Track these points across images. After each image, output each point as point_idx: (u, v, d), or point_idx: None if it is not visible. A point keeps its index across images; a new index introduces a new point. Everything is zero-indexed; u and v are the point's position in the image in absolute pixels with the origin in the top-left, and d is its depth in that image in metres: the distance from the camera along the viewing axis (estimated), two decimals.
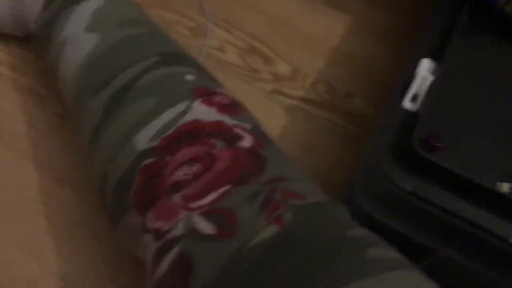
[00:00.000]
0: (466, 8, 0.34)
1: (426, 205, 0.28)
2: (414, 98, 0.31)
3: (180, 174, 0.27)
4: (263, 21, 0.53)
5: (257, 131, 0.31)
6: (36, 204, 0.42)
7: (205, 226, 0.25)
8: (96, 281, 0.39)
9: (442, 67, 0.31)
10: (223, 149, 0.28)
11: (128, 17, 0.37)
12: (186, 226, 0.26)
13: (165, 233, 0.26)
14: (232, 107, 0.32)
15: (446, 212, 0.28)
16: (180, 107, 0.30)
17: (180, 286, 0.24)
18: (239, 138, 0.29)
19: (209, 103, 0.30)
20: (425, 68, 0.32)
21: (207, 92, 0.31)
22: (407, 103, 0.31)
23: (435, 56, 0.32)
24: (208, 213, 0.26)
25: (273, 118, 0.48)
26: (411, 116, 0.31)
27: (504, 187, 0.28)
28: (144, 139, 0.29)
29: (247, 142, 0.29)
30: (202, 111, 0.30)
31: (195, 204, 0.26)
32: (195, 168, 0.27)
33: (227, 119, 0.30)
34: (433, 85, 0.31)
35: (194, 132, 0.29)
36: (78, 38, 0.36)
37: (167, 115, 0.29)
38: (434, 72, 0.32)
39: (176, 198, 0.27)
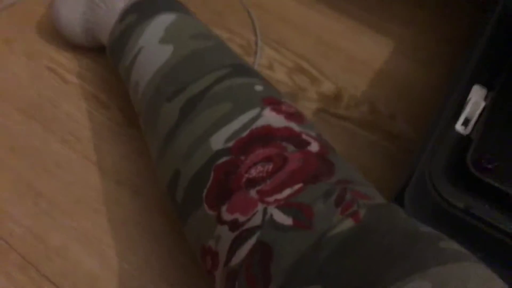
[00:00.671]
0: None
1: (476, 221, 0.30)
2: (465, 122, 0.33)
3: (255, 172, 0.30)
4: (310, 42, 0.56)
5: (321, 139, 0.33)
6: (96, 204, 0.45)
7: (283, 218, 0.27)
8: (150, 278, 0.41)
9: (494, 94, 0.33)
10: (294, 152, 0.30)
11: (198, 31, 0.41)
12: (264, 218, 0.28)
13: (242, 224, 0.29)
14: (297, 116, 0.34)
15: (495, 229, 0.30)
16: (252, 113, 0.33)
17: (259, 271, 0.27)
18: (307, 143, 0.32)
19: (278, 111, 0.33)
20: (476, 94, 0.34)
21: (275, 101, 0.34)
22: (459, 127, 0.33)
23: (486, 83, 0.35)
24: (285, 206, 0.28)
25: None
26: (463, 139, 0.33)
27: None
28: (219, 140, 0.32)
29: (314, 147, 0.31)
30: (272, 118, 0.32)
31: (271, 198, 0.29)
32: (269, 167, 0.30)
33: (294, 126, 0.33)
34: (485, 111, 0.33)
35: (266, 136, 0.31)
36: (153, 49, 0.39)
37: (241, 120, 0.32)
38: (485, 98, 0.34)
39: (252, 193, 0.29)
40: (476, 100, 0.33)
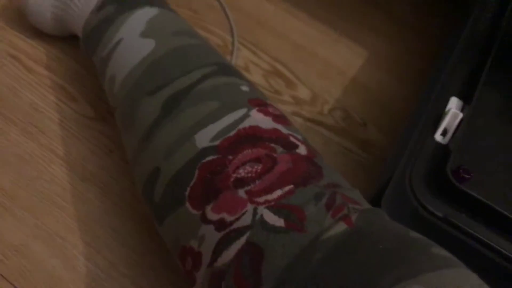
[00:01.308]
0: (493, 52, 0.37)
1: (454, 230, 0.31)
2: (444, 133, 0.34)
3: (244, 172, 0.29)
4: (287, 47, 0.56)
5: (307, 143, 0.33)
6: (61, 201, 0.42)
7: (275, 219, 0.27)
8: (118, 282, 0.40)
9: (471, 106, 0.35)
10: (283, 153, 0.30)
11: (181, 27, 0.40)
12: (254, 218, 0.27)
13: (230, 223, 0.28)
14: (284, 118, 0.34)
15: (472, 238, 0.31)
16: (239, 113, 0.32)
17: (250, 273, 0.26)
18: (296, 146, 0.31)
19: (265, 112, 0.33)
20: (453, 105, 0.35)
21: (261, 103, 0.34)
22: (438, 137, 0.34)
23: (463, 95, 0.36)
24: (276, 207, 0.27)
25: None
26: (442, 148, 0.34)
27: None
28: (205, 138, 0.31)
29: (302, 150, 0.31)
30: (259, 119, 0.32)
31: (261, 199, 0.28)
32: (258, 167, 0.29)
33: (282, 128, 0.32)
34: (462, 122, 0.34)
35: (254, 136, 0.31)
36: (133, 42, 0.37)
37: (228, 119, 0.31)
38: (462, 109, 0.35)
39: (241, 192, 0.28)
40: (454, 111, 0.34)
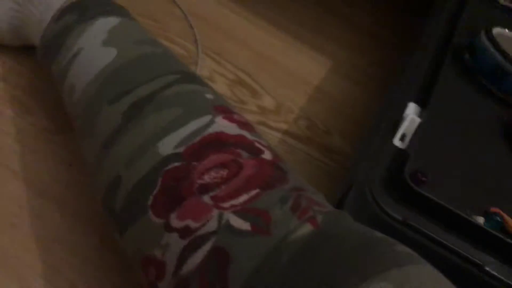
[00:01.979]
0: (448, 58, 0.39)
1: (413, 233, 0.31)
2: (402, 137, 0.35)
3: (209, 178, 0.29)
4: (251, 56, 0.56)
5: (272, 148, 0.33)
6: (15, 218, 0.41)
7: (241, 223, 0.27)
8: None
9: (427, 111, 0.35)
10: (249, 159, 0.30)
11: (143, 37, 0.39)
12: (219, 223, 0.27)
13: (195, 230, 0.27)
14: (249, 125, 0.34)
15: (430, 240, 0.31)
16: (204, 120, 0.32)
17: (216, 277, 0.25)
18: (261, 151, 0.31)
19: (230, 119, 0.33)
20: (411, 111, 0.36)
21: (226, 110, 0.34)
22: (397, 141, 0.35)
23: (420, 101, 0.37)
24: (242, 212, 0.27)
25: None
26: (400, 152, 0.34)
27: (479, 219, 0.32)
28: (169, 145, 0.30)
29: (267, 155, 0.31)
30: (225, 125, 0.32)
31: (227, 204, 0.28)
32: (224, 172, 0.29)
33: (247, 135, 0.32)
34: (420, 127, 0.35)
35: (220, 142, 0.30)
36: (94, 51, 0.37)
37: (192, 126, 0.31)
38: (419, 115, 0.36)
39: (206, 198, 0.28)
40: (412, 116, 0.35)
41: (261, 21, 0.59)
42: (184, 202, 0.28)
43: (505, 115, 0.38)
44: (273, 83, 0.55)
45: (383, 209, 0.32)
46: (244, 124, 0.34)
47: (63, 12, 0.40)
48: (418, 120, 0.35)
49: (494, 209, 0.33)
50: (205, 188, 0.29)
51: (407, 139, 0.35)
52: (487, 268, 0.31)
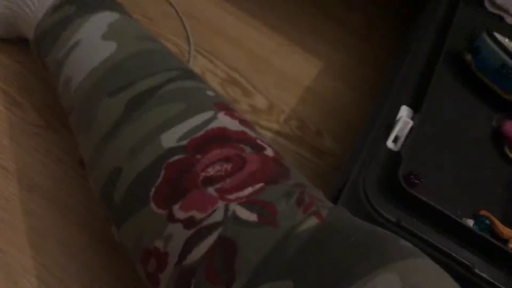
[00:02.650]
0: (440, 62, 0.39)
1: (405, 234, 0.32)
2: (395, 140, 0.35)
3: (213, 171, 0.29)
4: (244, 56, 0.56)
5: (272, 146, 0.33)
6: (3, 213, 0.40)
7: (247, 214, 0.27)
8: None
9: (420, 115, 0.36)
10: (252, 154, 0.30)
11: (142, 33, 0.39)
12: (226, 214, 0.27)
13: (200, 221, 0.28)
14: (249, 123, 0.34)
15: (422, 242, 0.32)
16: (206, 115, 0.32)
17: (223, 267, 0.26)
18: (263, 148, 0.32)
19: (232, 116, 0.33)
20: (404, 114, 0.37)
21: (227, 107, 0.34)
22: (390, 143, 0.35)
23: (412, 104, 0.37)
24: (248, 203, 0.27)
25: None
26: (393, 155, 0.35)
27: (469, 222, 0.33)
28: (171, 138, 0.31)
29: (270, 152, 0.32)
30: (227, 122, 0.32)
31: (233, 196, 0.28)
32: (228, 166, 0.29)
33: (249, 132, 0.33)
34: (412, 130, 0.35)
35: (223, 137, 0.31)
36: (93, 44, 0.37)
37: (195, 120, 0.31)
38: (412, 118, 0.37)
39: (210, 190, 0.28)
40: (405, 119, 0.36)
41: (255, 21, 0.59)
42: (188, 193, 0.29)
43: (494, 119, 0.39)
44: (265, 83, 0.55)
45: (377, 210, 0.32)
46: (244, 122, 0.34)
47: (60, 4, 0.40)
48: (410, 123, 0.36)
49: (483, 212, 0.34)
50: (209, 181, 0.29)
51: (400, 142, 0.35)
52: (476, 270, 0.31)
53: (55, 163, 0.43)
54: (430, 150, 0.36)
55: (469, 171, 0.36)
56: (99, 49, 0.36)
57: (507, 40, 0.42)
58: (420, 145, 0.35)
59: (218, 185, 0.29)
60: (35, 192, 0.41)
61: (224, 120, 0.32)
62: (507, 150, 0.38)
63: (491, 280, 0.31)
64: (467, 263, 0.32)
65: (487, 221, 0.33)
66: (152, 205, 0.30)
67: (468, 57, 0.41)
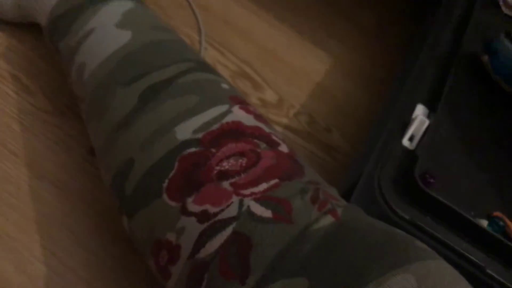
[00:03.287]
0: (457, 62, 0.39)
1: (419, 232, 0.32)
2: (411, 138, 0.35)
3: (228, 165, 0.29)
4: (255, 49, 0.56)
5: (286, 142, 0.33)
6: (13, 199, 0.40)
7: (262, 210, 0.27)
8: (73, 286, 0.37)
9: (437, 113, 0.36)
10: (267, 150, 0.30)
11: (157, 23, 0.39)
12: (240, 209, 0.27)
13: (214, 215, 0.27)
14: (263, 118, 0.34)
15: (436, 241, 0.32)
16: (221, 108, 0.32)
17: (237, 262, 0.26)
18: (278, 144, 0.31)
19: (246, 110, 0.33)
20: (420, 112, 0.37)
21: (242, 101, 0.34)
22: (405, 142, 0.35)
23: (428, 103, 0.37)
24: (262, 200, 0.27)
25: None
26: (409, 153, 0.35)
27: (483, 223, 0.33)
28: (186, 130, 0.30)
29: (284, 148, 0.31)
30: (242, 116, 0.32)
31: (247, 191, 0.28)
32: (243, 161, 0.29)
33: (263, 127, 0.32)
34: (429, 129, 0.35)
35: (238, 131, 0.31)
36: (108, 32, 0.36)
37: (211, 113, 0.31)
38: (428, 116, 0.37)
39: (225, 185, 0.28)
40: (421, 118, 0.36)
41: (267, 15, 0.59)
42: (202, 187, 0.28)
43: (510, 120, 0.39)
44: (275, 77, 0.55)
45: (392, 208, 0.32)
46: (259, 116, 0.34)
47: None
48: (426, 122, 0.36)
49: (497, 214, 0.34)
50: (224, 175, 0.29)
51: (416, 140, 0.35)
52: (488, 270, 0.32)
53: (65, 150, 0.43)
54: (445, 150, 0.36)
55: (484, 172, 0.36)
56: (113, 37, 0.36)
57: None
58: (436, 145, 0.35)
59: (232, 180, 0.28)
60: (43, 179, 0.41)
61: (239, 114, 0.32)
62: None
63: (504, 281, 0.31)
64: (480, 263, 0.32)
65: (501, 223, 0.33)
66: (165, 197, 0.29)
67: (485, 58, 0.41)
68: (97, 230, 0.40)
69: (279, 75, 0.55)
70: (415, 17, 0.63)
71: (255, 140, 0.30)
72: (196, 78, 0.34)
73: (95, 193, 0.41)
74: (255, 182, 0.28)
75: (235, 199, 0.28)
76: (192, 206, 0.28)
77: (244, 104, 0.33)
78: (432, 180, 0.33)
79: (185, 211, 0.28)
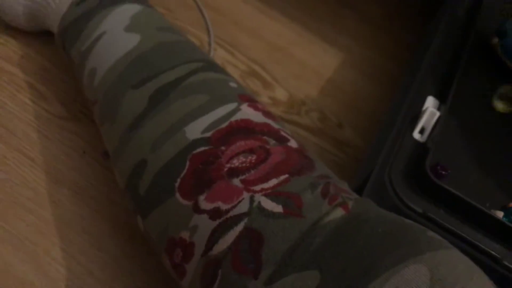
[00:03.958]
0: (466, 52, 0.39)
1: (432, 225, 0.32)
2: (421, 131, 0.35)
3: (238, 162, 0.29)
4: (264, 48, 0.56)
5: (296, 138, 0.33)
6: (31, 204, 0.41)
7: (273, 205, 0.27)
8: (91, 287, 0.38)
9: (447, 105, 0.35)
10: (276, 146, 0.30)
11: (164, 24, 0.40)
12: (251, 205, 0.27)
13: (225, 211, 0.28)
14: (272, 115, 0.34)
15: (449, 233, 0.31)
16: (230, 107, 0.32)
17: (249, 257, 0.26)
18: (287, 139, 0.32)
19: (255, 108, 0.33)
20: (430, 104, 0.36)
21: (250, 99, 0.34)
22: (416, 134, 0.35)
23: (439, 95, 0.37)
24: (273, 195, 0.28)
25: None
26: (420, 146, 0.34)
27: (499, 214, 0.32)
28: (196, 129, 0.31)
29: (293, 144, 0.32)
30: (250, 113, 0.32)
31: (258, 187, 0.28)
32: (252, 158, 0.29)
33: (272, 123, 0.33)
34: (439, 121, 0.35)
35: (246, 128, 0.31)
36: (117, 36, 0.37)
37: (219, 112, 0.32)
38: (438, 108, 0.36)
39: (235, 182, 0.29)
40: (432, 110, 0.35)
41: (275, 12, 0.59)
42: (214, 184, 0.29)
43: None
44: (285, 75, 0.55)
45: (403, 201, 0.32)
46: (268, 113, 0.34)
47: None
48: (437, 114, 0.35)
49: None
50: (234, 172, 0.29)
51: (427, 133, 0.35)
52: (505, 262, 0.31)
53: (80, 154, 0.44)
54: (457, 141, 0.35)
55: (497, 162, 0.35)
56: (122, 41, 0.37)
57: None
58: (447, 136, 0.35)
59: (242, 177, 0.29)
60: (61, 184, 0.42)
61: (247, 112, 0.32)
62: None
63: None
64: (496, 254, 0.31)
65: None
66: (178, 196, 0.30)
67: (495, 40, 0.40)
68: (113, 231, 0.41)
69: (289, 73, 0.55)
70: (423, 9, 0.62)
71: (264, 137, 0.31)
72: (204, 77, 0.34)
73: (111, 195, 0.42)
74: (265, 178, 0.28)
75: (246, 195, 0.28)
76: (204, 203, 0.29)
77: (252, 102, 0.34)
78: (443, 172, 0.32)
79: (197, 209, 0.29)
